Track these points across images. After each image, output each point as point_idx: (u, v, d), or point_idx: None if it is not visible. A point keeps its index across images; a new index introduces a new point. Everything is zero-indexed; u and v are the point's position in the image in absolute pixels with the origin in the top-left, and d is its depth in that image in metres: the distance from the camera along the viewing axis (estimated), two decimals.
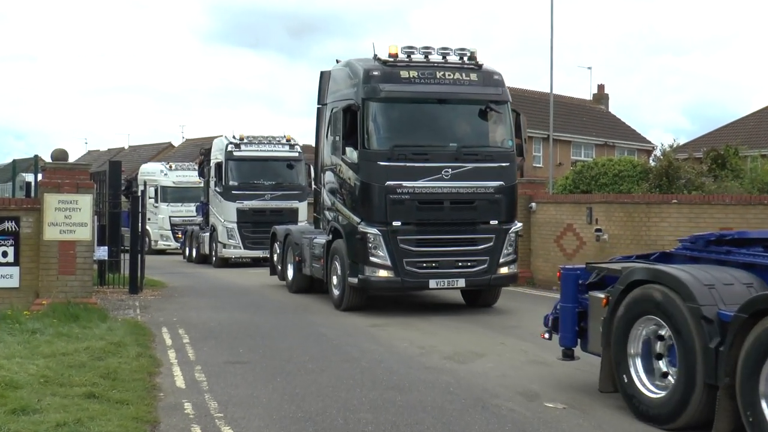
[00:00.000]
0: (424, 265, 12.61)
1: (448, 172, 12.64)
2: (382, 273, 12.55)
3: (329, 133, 14.14)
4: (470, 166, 12.78)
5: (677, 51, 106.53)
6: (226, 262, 23.95)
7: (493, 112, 13.21)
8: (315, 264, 14.80)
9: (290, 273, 16.52)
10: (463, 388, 8.01)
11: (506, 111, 13.33)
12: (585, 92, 68.16)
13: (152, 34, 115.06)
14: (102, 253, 15.89)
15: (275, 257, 17.88)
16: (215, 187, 24.32)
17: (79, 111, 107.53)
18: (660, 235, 15.15)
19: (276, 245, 17.79)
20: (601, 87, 50.47)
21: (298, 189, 24.40)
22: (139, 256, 16.31)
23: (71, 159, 14.56)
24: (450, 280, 12.71)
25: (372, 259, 12.53)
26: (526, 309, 14.15)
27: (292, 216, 23.54)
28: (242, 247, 23.62)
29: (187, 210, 31.30)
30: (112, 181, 17.73)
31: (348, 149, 12.93)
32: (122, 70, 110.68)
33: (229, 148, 23.81)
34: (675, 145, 23.26)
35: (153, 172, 33.47)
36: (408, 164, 12.56)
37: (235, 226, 23.48)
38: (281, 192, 24.02)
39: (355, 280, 12.80)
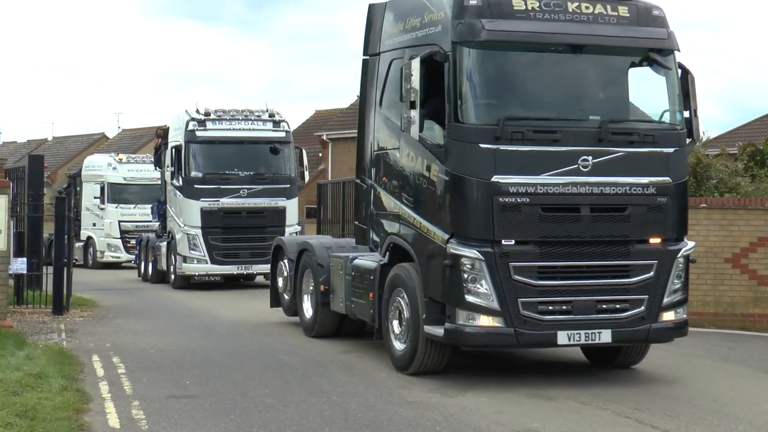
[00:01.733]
0: (550, 308, 9.66)
1: (587, 161, 9.70)
2: (485, 320, 9.50)
3: (385, 99, 11.20)
4: (621, 151, 9.88)
5: (709, 26, 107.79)
6: (187, 282, 21.59)
7: (654, 66, 10.29)
8: (357, 299, 11.72)
9: (308, 308, 13.64)
10: (452, 426, 8.06)
11: (673, 66, 10.28)
12: None
13: (79, 2, 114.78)
14: (20, 266, 15.82)
15: (280, 282, 14.97)
16: (173, 179, 21.83)
17: None
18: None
19: (283, 264, 14.81)
20: None
21: (285, 181, 22.02)
22: (66, 269, 16.29)
23: None
24: (589, 332, 9.72)
25: (469, 298, 9.47)
26: None
27: (277, 218, 21.64)
28: (209, 261, 21.21)
29: (142, 213, 29.70)
30: (33, 179, 17.69)
31: (427, 124, 9.85)
32: (43, 46, 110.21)
33: (191, 127, 21.23)
34: (705, 139, 23.52)
35: (98, 166, 31.95)
36: (527, 148, 9.62)
37: (199, 232, 21.07)
38: (262, 186, 21.61)
39: (438, 331, 9.73)
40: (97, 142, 64.57)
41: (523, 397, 9.24)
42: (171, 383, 9.92)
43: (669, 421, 8.28)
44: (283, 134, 22.11)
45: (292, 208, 22.06)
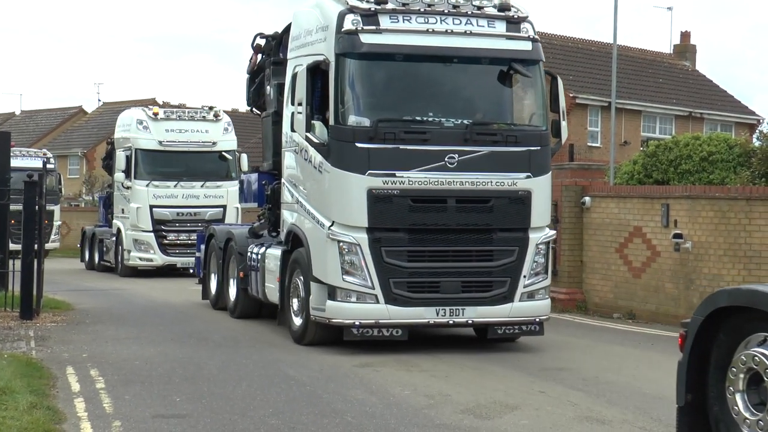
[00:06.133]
0: None
1: None
2: None
3: None
4: None
5: None
6: (335, 334, 13.40)
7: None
8: None
9: None
10: None
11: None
12: (663, 43, 68.22)
13: None
14: None
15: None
16: (308, 130, 13.23)
17: None
18: (766, 243, 15.21)
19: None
20: (685, 35, 50.65)
21: (530, 140, 13.53)
22: (36, 265, 16.38)
23: None
24: None
25: None
26: (576, 345, 14.24)
27: (514, 213, 13.36)
28: (382, 299, 12.97)
29: (189, 194, 25.40)
30: None
31: None
32: (9, 5, 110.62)
33: (350, 25, 13.04)
34: None
35: (127, 127, 26.70)
36: None
37: (363, 239, 12.96)
38: (487, 147, 13.27)
39: None
40: (74, 117, 65.21)
41: (573, 422, 9.21)
42: (159, 400, 10.01)
43: None
44: (528, 45, 13.62)
45: (542, 191, 13.70)
